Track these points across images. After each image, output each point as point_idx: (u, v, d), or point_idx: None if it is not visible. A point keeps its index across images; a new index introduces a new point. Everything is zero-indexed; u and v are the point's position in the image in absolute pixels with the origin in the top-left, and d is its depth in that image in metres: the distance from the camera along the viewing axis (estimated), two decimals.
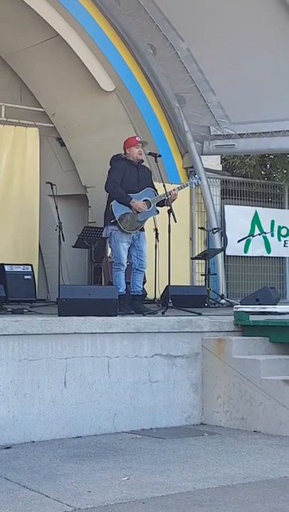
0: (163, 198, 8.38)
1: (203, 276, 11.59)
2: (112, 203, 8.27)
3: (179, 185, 8.96)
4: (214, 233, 12.03)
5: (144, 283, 8.89)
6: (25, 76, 12.72)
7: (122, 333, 6.88)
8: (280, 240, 13.38)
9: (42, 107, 12.80)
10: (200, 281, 11.97)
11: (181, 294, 9.21)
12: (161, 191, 8.45)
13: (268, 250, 13.22)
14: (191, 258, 12.17)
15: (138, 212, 8.27)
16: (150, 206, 8.39)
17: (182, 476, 5.13)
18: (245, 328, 7.49)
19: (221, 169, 13.70)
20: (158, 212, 8.56)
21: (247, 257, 13.02)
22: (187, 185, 9.58)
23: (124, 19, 11.42)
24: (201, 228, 12.16)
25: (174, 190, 8.47)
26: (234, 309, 7.74)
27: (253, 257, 13.10)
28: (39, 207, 12.17)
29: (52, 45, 11.63)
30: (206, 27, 10.87)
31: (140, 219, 8.32)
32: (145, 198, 8.38)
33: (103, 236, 8.75)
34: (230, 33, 10.79)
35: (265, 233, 12.94)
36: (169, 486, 4.85)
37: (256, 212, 13.07)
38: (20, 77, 12.77)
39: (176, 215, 8.25)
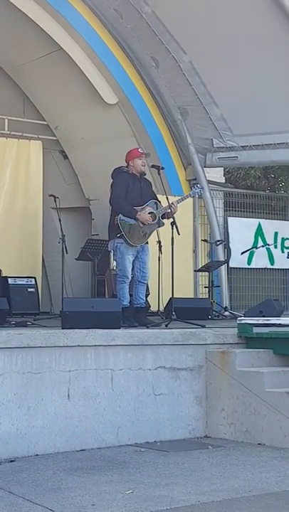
0: (167, 211, 8.39)
1: (207, 289, 11.57)
2: (118, 216, 8.27)
3: (181, 197, 8.96)
4: (217, 245, 12.02)
5: (147, 295, 8.88)
6: (28, 89, 12.76)
7: (126, 345, 6.87)
8: (283, 251, 13.37)
9: (45, 120, 12.83)
10: (203, 293, 11.96)
11: (185, 306, 9.19)
12: (164, 203, 8.46)
13: (272, 262, 13.21)
14: (195, 270, 12.15)
15: (144, 225, 8.28)
16: (155, 218, 8.40)
17: (186, 489, 5.11)
18: (249, 340, 7.48)
19: (224, 181, 13.71)
20: (163, 224, 8.57)
21: (250, 269, 13.01)
22: (190, 196, 9.57)
23: (126, 32, 11.46)
24: (205, 240, 12.15)
25: (172, 203, 8.42)
26: (238, 321, 7.73)
27: (256, 268, 13.08)
28: (42, 220, 12.18)
29: (55, 58, 11.66)
30: (208, 40, 10.89)
31: (146, 231, 8.33)
32: (150, 211, 8.39)
33: (109, 249, 8.75)
34: (233, 45, 10.82)
35: (268, 245, 12.93)
36: (173, 500, 4.83)
37: (259, 224, 13.07)
38: (23, 91, 12.80)
39: (179, 228, 8.26)
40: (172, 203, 8.41)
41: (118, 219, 8.26)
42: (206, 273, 11.70)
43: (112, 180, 8.62)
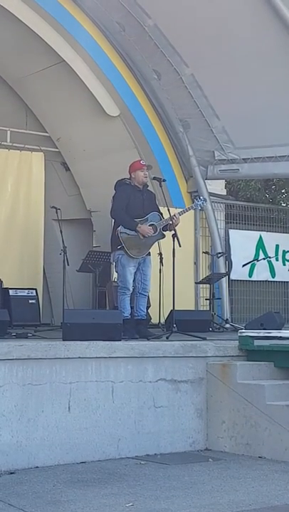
0: (168, 222, 8.39)
1: (208, 301, 11.57)
2: (119, 228, 8.28)
3: (183, 209, 8.95)
4: (219, 257, 12.02)
5: (148, 307, 8.87)
6: (30, 101, 12.79)
7: (127, 357, 6.87)
8: (284, 264, 13.36)
9: (47, 132, 12.86)
10: (204, 305, 11.95)
11: (186, 318, 9.19)
12: (166, 215, 8.45)
13: (273, 275, 13.20)
14: (196, 282, 12.14)
15: (145, 237, 8.27)
16: (156, 230, 8.40)
17: (187, 502, 5.09)
18: (250, 352, 7.47)
19: (225, 194, 13.73)
20: (164, 236, 8.57)
21: (251, 281, 13.00)
22: (192, 208, 9.57)
23: (128, 45, 11.51)
24: (206, 253, 12.16)
25: (174, 215, 8.42)
26: (239, 334, 7.73)
27: (257, 281, 13.07)
28: (44, 231, 12.19)
29: (57, 70, 11.70)
30: (210, 53, 10.93)
31: (147, 243, 8.33)
32: (151, 223, 8.39)
33: (111, 261, 8.74)
34: (235, 58, 10.86)
35: (269, 258, 12.93)
36: None
37: (261, 236, 13.08)
38: (25, 102, 12.84)
39: (180, 240, 8.26)
40: (174, 215, 8.40)
41: (119, 231, 8.27)
42: (207, 285, 11.69)
43: (114, 192, 8.63)
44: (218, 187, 13.22)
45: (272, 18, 10.35)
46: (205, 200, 9.46)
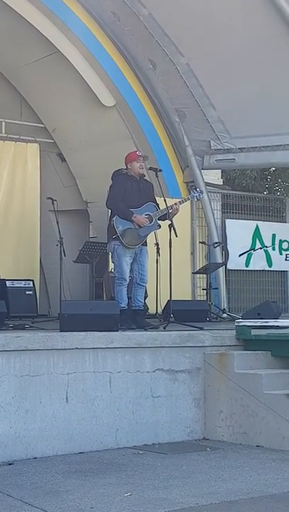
0: (164, 213, 8.38)
1: (205, 291, 11.57)
2: (114, 218, 8.27)
3: (180, 200, 8.95)
4: (215, 247, 12.02)
5: (145, 298, 8.87)
6: (25, 92, 12.76)
7: (124, 348, 6.87)
8: (281, 253, 13.37)
9: (42, 123, 12.83)
10: (201, 295, 11.95)
11: (183, 308, 9.19)
12: (162, 206, 8.45)
13: (270, 264, 13.21)
14: (193, 272, 12.16)
15: (140, 227, 8.27)
16: (152, 221, 8.39)
17: (185, 491, 5.11)
18: (247, 342, 7.48)
19: (221, 183, 13.72)
20: (160, 226, 8.56)
21: (248, 271, 13.00)
22: (189, 199, 9.56)
23: (124, 35, 11.47)
24: (202, 243, 12.16)
25: (175, 204, 8.47)
26: (236, 323, 7.73)
27: (254, 271, 13.08)
28: (40, 222, 12.18)
29: (52, 61, 11.67)
30: (205, 42, 10.90)
31: (142, 234, 8.32)
32: (147, 213, 8.38)
33: (107, 251, 8.73)
34: (231, 48, 10.83)
35: (266, 247, 12.93)
36: (172, 502, 4.83)
37: (257, 226, 13.07)
38: (20, 93, 12.80)
39: (177, 230, 8.25)
40: (175, 203, 8.42)
41: (113, 220, 8.27)
42: (204, 275, 11.69)
43: (111, 183, 8.62)
44: (215, 177, 13.22)
45: (270, 8, 10.32)
46: (201, 192, 9.45)
